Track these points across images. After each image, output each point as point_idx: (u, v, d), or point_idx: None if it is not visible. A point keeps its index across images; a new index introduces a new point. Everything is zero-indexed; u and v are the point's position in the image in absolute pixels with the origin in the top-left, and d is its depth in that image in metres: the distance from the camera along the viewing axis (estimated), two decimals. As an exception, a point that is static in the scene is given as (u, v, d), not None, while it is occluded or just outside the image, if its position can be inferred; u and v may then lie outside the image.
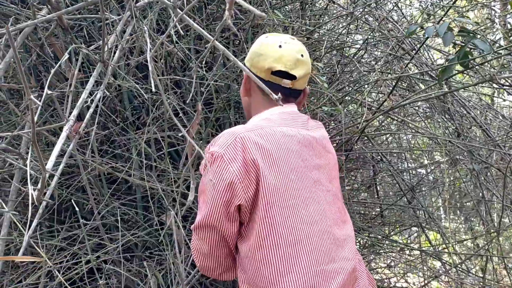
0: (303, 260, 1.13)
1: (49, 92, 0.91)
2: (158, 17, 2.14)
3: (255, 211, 1.16)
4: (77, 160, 1.75)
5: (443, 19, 1.52)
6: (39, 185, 0.89)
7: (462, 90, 2.78)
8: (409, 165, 2.97)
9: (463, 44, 1.26)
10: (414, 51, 1.98)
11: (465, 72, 1.40)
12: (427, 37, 1.37)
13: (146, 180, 1.99)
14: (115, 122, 2.14)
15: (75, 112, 1.10)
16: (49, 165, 0.97)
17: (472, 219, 3.34)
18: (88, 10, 1.95)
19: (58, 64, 1.08)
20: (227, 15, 0.58)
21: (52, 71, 1.08)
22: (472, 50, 1.28)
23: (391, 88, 1.82)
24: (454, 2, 1.62)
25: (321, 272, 1.14)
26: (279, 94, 0.93)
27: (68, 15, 1.48)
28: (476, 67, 1.32)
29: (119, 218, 1.93)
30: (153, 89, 1.14)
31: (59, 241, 1.90)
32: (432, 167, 2.97)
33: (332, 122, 2.08)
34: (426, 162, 3.09)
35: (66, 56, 1.13)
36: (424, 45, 2.60)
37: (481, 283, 2.41)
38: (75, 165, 2.04)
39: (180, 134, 2.07)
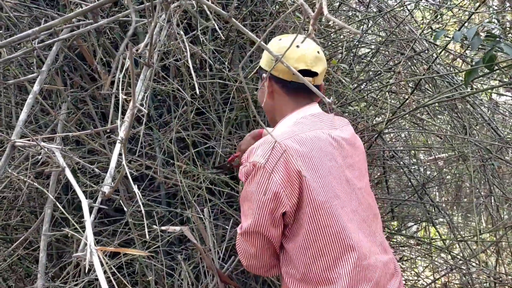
0: (350, 256, 1.22)
1: (124, 96, 0.97)
2: (179, 17, 2.20)
3: (299, 214, 1.23)
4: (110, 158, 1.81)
5: (466, 23, 1.60)
6: (108, 183, 0.95)
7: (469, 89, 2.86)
8: (419, 161, 3.05)
9: (489, 48, 1.34)
10: (429, 53, 2.05)
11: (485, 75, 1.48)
12: (450, 41, 1.44)
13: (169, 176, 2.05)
14: (139, 121, 2.20)
15: (129, 112, 1.16)
16: (113, 163, 1.03)
17: (476, 215, 3.43)
18: (118, 11, 2.00)
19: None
20: (311, 29, 0.64)
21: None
22: (496, 53, 1.35)
23: (410, 89, 1.89)
24: (478, 7, 1.69)
25: (366, 266, 1.24)
26: (331, 98, 1.00)
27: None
28: (497, 70, 1.40)
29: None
30: (197, 91, 1.20)
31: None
32: (441, 164, 3.05)
33: (352, 121, 2.15)
34: (431, 158, 3.17)
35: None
36: (434, 45, 2.69)
37: (492, 277, 2.49)
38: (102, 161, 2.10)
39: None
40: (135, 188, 0.79)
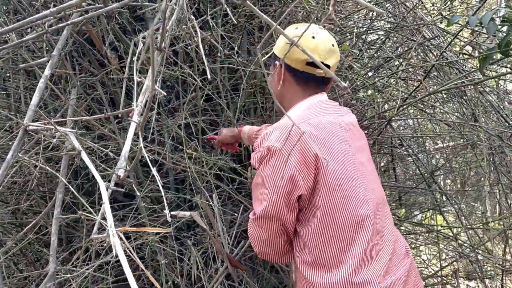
0: (364, 236, 1.23)
1: (139, 79, 0.96)
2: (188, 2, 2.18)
3: (314, 197, 1.24)
4: (120, 143, 1.81)
5: (482, 7, 1.57)
6: (123, 166, 0.95)
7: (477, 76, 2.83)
8: (427, 149, 3.04)
9: (506, 34, 1.32)
10: (437, 39, 2.03)
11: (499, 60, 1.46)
12: (464, 26, 1.42)
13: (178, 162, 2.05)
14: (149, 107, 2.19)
15: (141, 98, 1.16)
16: (127, 147, 1.03)
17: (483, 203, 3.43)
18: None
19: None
20: (331, 10, 0.63)
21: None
22: (512, 39, 1.34)
23: (420, 76, 1.87)
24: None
25: (377, 245, 1.25)
26: (347, 82, 0.99)
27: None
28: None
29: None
30: (209, 77, 1.19)
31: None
32: (449, 152, 3.04)
33: (361, 107, 2.14)
34: (441, 145, 3.16)
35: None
36: (444, 32, 2.66)
37: (499, 265, 2.49)
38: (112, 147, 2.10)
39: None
40: (153, 170, 0.79)
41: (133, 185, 2.02)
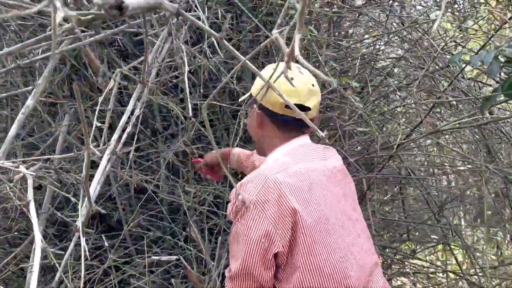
0: None
1: (99, 124, 0.91)
2: (190, 29, 2.14)
3: (293, 254, 1.15)
4: (108, 172, 1.76)
5: (487, 44, 1.48)
6: (82, 214, 0.89)
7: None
8: (438, 180, 2.92)
9: (509, 74, 1.22)
10: (450, 68, 1.94)
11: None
12: (467, 64, 1.34)
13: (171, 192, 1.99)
14: (145, 133, 2.15)
15: (115, 136, 1.10)
16: (91, 191, 0.97)
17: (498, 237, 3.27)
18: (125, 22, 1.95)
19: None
20: (284, 67, 0.56)
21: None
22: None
23: (426, 109, 1.78)
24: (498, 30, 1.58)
25: None
26: (325, 131, 0.92)
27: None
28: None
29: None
30: (190, 114, 1.14)
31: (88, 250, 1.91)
32: (461, 183, 2.91)
33: (362, 141, 2.06)
34: (452, 175, 3.04)
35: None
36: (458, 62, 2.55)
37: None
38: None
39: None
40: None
41: (121, 216, 1.98)
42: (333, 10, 2.41)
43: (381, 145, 1.77)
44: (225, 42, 0.97)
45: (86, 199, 0.84)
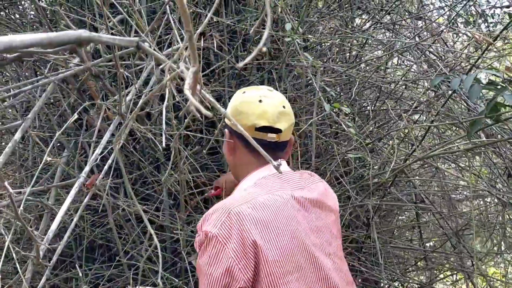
0: None
1: (49, 159, 0.92)
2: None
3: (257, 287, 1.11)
4: (105, 202, 1.78)
5: (474, 68, 1.43)
6: (41, 248, 0.89)
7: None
8: (453, 205, 2.80)
9: (491, 98, 1.17)
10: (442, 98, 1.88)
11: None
12: (453, 91, 1.29)
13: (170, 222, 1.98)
14: (144, 162, 2.17)
15: (86, 168, 1.11)
16: (54, 226, 0.97)
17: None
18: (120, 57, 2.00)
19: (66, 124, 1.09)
20: (190, 102, 0.54)
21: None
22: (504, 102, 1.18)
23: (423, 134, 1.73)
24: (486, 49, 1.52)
25: None
26: (279, 160, 0.89)
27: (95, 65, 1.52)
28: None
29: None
30: (164, 145, 1.14)
31: (88, 282, 1.92)
32: (478, 208, 2.79)
33: (363, 166, 2.00)
34: (472, 202, 2.91)
35: (75, 116, 1.15)
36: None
37: None
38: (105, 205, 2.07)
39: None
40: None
41: (118, 248, 1.98)
42: (337, 35, 2.41)
43: (376, 171, 1.71)
44: (187, 91, 0.97)
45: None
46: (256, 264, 1.09)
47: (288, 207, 1.16)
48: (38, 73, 2.32)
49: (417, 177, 2.32)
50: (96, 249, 2.27)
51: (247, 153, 1.27)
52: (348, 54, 2.54)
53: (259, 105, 1.23)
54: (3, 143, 2.08)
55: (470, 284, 2.54)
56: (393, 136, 1.81)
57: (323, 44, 2.47)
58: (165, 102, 1.32)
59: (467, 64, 2.56)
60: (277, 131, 1.23)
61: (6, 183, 0.67)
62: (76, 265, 1.75)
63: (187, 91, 0.48)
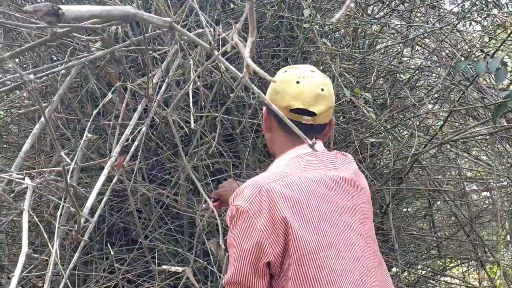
0: None
1: (89, 135, 0.93)
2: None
3: (286, 265, 1.12)
4: (126, 186, 1.80)
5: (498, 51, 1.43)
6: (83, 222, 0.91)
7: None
8: (468, 196, 2.81)
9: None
10: (467, 82, 1.88)
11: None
12: (477, 75, 1.29)
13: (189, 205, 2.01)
14: (163, 147, 2.19)
15: (117, 149, 1.13)
16: (89, 203, 0.99)
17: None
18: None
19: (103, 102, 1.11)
20: (245, 72, 0.56)
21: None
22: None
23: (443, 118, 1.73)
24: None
25: None
26: (314, 139, 0.89)
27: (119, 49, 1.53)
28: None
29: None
30: (192, 126, 1.15)
31: (108, 265, 1.95)
32: (492, 196, 2.79)
33: (380, 153, 2.02)
34: (484, 192, 2.92)
35: (109, 96, 1.16)
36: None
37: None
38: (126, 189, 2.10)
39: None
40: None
41: (139, 232, 2.01)
42: (354, 22, 2.41)
43: (397, 158, 1.72)
44: (216, 52, 0.98)
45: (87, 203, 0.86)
46: (285, 240, 1.11)
47: (320, 186, 1.16)
48: (54, 58, 2.34)
49: (434, 164, 2.33)
50: (114, 234, 2.30)
51: (282, 133, 1.27)
52: (361, 41, 2.54)
53: (296, 86, 1.22)
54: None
55: (483, 271, 2.55)
56: (413, 122, 1.82)
57: (338, 31, 2.48)
58: (191, 85, 1.34)
59: (480, 53, 2.57)
60: (312, 114, 1.22)
61: (62, 153, 0.69)
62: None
63: (248, 59, 0.49)
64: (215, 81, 2.00)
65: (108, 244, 2.19)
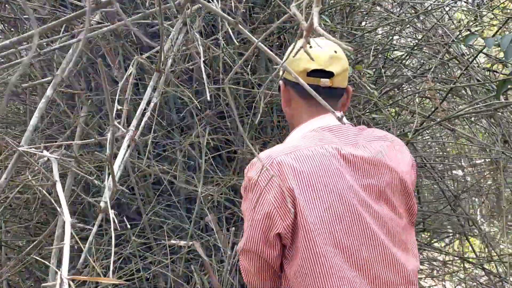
0: None
1: (119, 107, 0.93)
2: (204, 20, 2.16)
3: (296, 237, 1.14)
4: (126, 163, 1.79)
5: (503, 28, 1.48)
6: (105, 198, 0.91)
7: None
8: (453, 171, 2.90)
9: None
10: (465, 57, 1.93)
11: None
12: (483, 48, 1.33)
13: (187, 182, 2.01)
14: (161, 124, 2.17)
15: (134, 122, 1.12)
16: (115, 170, 0.98)
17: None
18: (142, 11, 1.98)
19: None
20: (304, 42, 0.57)
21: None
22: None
23: (441, 96, 1.78)
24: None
25: None
26: (341, 112, 0.90)
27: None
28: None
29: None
30: (208, 99, 1.15)
31: (106, 243, 1.95)
32: (477, 173, 2.89)
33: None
34: (469, 168, 3.02)
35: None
36: (471, 48, 2.53)
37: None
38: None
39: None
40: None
41: (140, 206, 2.01)
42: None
43: (396, 134, 1.76)
44: (240, 26, 0.98)
45: (110, 178, 0.86)
46: (295, 213, 1.12)
47: (332, 161, 1.16)
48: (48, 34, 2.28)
49: (420, 141, 2.39)
50: (113, 210, 2.29)
51: (301, 102, 1.26)
52: (356, 18, 2.56)
53: (310, 50, 1.21)
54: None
55: (467, 243, 2.66)
56: (413, 99, 1.86)
57: (333, 8, 2.48)
58: (201, 58, 1.33)
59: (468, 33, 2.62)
60: (330, 74, 1.22)
61: (115, 122, 0.69)
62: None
63: (318, 27, 0.50)
64: (216, 57, 1.99)
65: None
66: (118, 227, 0.73)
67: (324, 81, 1.22)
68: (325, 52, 1.23)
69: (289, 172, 1.13)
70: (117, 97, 1.17)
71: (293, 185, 1.12)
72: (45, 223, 2.02)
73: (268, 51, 0.92)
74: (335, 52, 1.24)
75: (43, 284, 0.61)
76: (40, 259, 1.55)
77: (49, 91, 1.43)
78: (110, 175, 0.78)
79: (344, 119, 1.25)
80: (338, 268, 1.12)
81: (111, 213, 0.74)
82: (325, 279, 1.11)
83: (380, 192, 1.19)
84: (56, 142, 1.86)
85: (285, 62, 1.27)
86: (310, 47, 1.22)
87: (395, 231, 1.20)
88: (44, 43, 1.57)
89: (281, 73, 1.32)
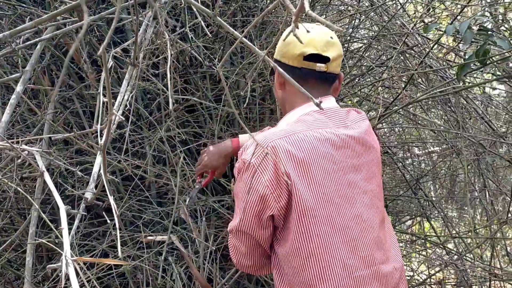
0: (339, 267, 1.15)
1: (105, 100, 0.94)
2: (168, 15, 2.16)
3: (289, 219, 1.18)
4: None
5: (459, 16, 1.57)
6: (90, 189, 0.92)
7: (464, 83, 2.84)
8: (413, 156, 3.04)
9: (482, 42, 1.31)
10: (421, 48, 2.03)
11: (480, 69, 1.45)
12: (442, 35, 1.42)
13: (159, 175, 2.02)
14: (128, 119, 2.16)
15: (117, 108, 1.13)
16: (96, 168, 1.00)
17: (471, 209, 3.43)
18: (106, 8, 1.96)
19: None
20: (293, 26, 0.61)
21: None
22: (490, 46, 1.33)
23: (403, 84, 1.87)
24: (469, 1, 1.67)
25: (358, 277, 1.16)
26: (319, 98, 0.93)
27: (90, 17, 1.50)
28: (491, 64, 1.38)
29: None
30: (171, 107, 1.17)
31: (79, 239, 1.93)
32: (435, 158, 3.04)
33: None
34: (427, 154, 3.16)
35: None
36: (427, 39, 2.66)
37: (487, 271, 2.49)
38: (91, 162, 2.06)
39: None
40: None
41: (111, 202, 1.99)
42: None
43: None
44: (219, 19, 1.01)
45: (96, 168, 0.88)
46: (288, 195, 1.16)
47: (326, 145, 1.19)
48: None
49: (385, 127, 2.49)
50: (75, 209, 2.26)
51: (294, 88, 1.24)
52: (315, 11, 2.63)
53: (307, 34, 1.21)
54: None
55: (426, 225, 2.79)
56: (377, 86, 1.94)
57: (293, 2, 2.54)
58: (169, 54, 1.35)
59: (422, 24, 2.75)
60: (326, 60, 1.23)
61: (114, 111, 0.70)
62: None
63: (311, 11, 0.54)
64: (181, 52, 2.00)
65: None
66: (116, 210, 0.75)
67: (320, 66, 1.24)
68: (322, 36, 1.24)
69: (283, 156, 1.15)
70: (101, 91, 1.17)
71: (288, 168, 1.14)
72: (11, 227, 1.97)
73: (249, 43, 0.95)
74: (331, 38, 1.26)
75: (48, 265, 0.62)
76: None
77: (19, 87, 1.42)
78: (101, 164, 0.79)
79: (331, 103, 1.29)
80: (331, 247, 1.16)
81: (112, 201, 0.76)
82: (318, 258, 1.15)
83: (368, 171, 1.25)
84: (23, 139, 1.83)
85: (280, 49, 1.29)
86: (308, 31, 1.20)
87: (381, 209, 1.28)
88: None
89: (276, 56, 1.31)
